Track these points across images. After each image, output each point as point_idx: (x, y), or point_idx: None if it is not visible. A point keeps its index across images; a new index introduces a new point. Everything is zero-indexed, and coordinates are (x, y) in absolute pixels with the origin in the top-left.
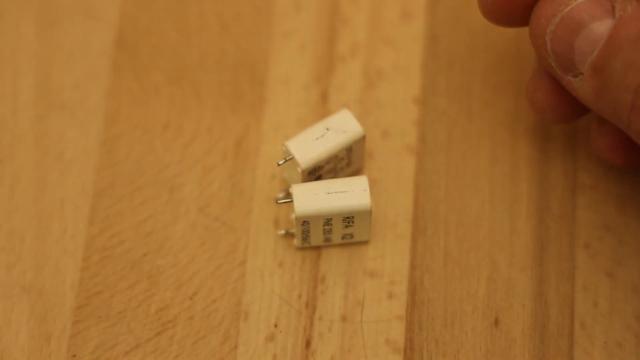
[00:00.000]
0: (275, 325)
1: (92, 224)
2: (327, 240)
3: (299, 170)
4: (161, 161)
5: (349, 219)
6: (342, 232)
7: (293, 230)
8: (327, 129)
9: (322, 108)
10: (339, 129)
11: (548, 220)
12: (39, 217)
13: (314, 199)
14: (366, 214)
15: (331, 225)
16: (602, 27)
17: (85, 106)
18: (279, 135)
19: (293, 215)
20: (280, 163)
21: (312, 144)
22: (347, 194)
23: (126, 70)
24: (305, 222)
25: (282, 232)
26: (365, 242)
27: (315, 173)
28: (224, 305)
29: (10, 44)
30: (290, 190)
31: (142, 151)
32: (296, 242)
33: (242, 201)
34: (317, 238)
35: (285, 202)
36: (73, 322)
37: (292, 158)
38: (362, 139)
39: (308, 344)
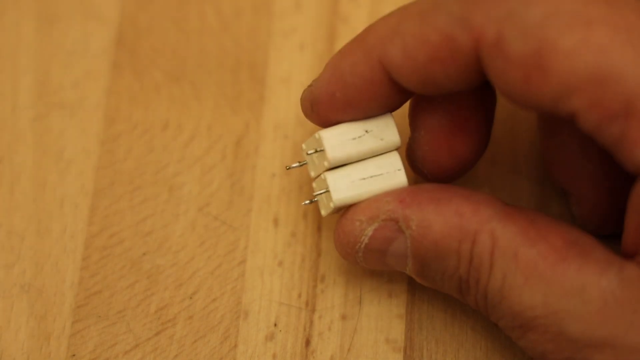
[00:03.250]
0: (275, 325)
1: (92, 223)
2: None
3: (325, 164)
4: (161, 160)
5: None
6: None
7: (317, 199)
8: (366, 131)
9: None
10: (377, 135)
11: None
12: (39, 216)
13: (350, 186)
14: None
15: None
16: (400, 245)
17: (85, 105)
18: (279, 134)
19: (324, 192)
20: (309, 152)
21: (347, 143)
22: (383, 176)
23: (126, 70)
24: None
25: (307, 202)
26: None
27: (337, 166)
28: (223, 304)
29: (10, 44)
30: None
31: (141, 150)
32: (323, 211)
33: (242, 200)
34: None
35: (300, 166)
36: (72, 322)
37: (322, 150)
38: (395, 148)
39: (308, 343)
